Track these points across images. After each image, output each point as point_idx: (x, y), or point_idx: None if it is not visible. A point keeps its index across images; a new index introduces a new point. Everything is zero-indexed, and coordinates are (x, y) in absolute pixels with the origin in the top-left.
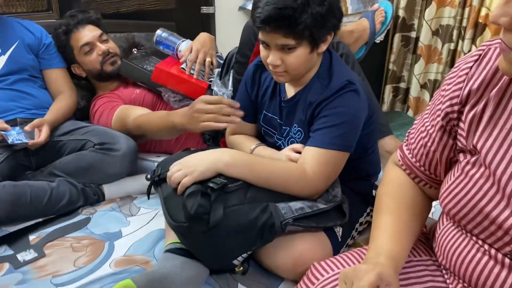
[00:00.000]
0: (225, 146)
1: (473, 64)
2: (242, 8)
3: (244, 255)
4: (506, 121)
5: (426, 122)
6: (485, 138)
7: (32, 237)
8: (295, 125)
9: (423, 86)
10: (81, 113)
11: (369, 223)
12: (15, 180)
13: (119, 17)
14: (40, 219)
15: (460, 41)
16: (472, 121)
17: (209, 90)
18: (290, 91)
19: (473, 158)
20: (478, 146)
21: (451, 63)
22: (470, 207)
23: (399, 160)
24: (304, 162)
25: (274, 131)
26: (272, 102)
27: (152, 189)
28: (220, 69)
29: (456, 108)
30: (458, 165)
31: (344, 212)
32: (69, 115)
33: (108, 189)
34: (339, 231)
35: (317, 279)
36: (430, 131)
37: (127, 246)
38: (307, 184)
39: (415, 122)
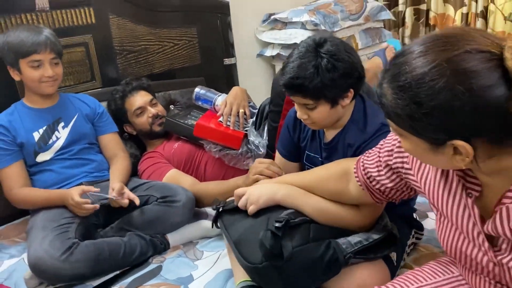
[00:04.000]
0: None
1: None
2: (259, 55)
3: None
4: (445, 181)
5: (381, 155)
6: (436, 198)
7: None
8: None
9: None
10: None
11: (414, 245)
12: (89, 239)
13: (153, 78)
14: (118, 272)
15: (473, 3)
16: (421, 179)
17: (245, 138)
18: (329, 134)
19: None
20: (435, 204)
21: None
22: (453, 249)
23: (355, 164)
24: None
25: None
26: (313, 143)
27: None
28: (254, 119)
29: (406, 166)
30: (436, 216)
31: (394, 239)
32: (129, 174)
33: (172, 238)
34: (393, 256)
35: None
36: (381, 164)
37: None
38: (358, 219)
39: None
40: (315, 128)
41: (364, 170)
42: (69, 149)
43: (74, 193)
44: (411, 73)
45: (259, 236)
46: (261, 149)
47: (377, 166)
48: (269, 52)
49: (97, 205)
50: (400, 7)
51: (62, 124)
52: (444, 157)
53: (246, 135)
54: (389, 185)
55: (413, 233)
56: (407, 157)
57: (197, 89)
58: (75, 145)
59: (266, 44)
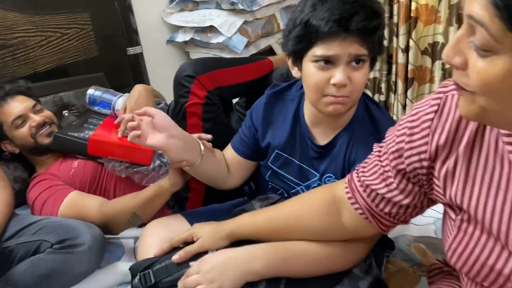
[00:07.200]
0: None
1: (434, 116)
2: (170, 41)
3: None
4: (483, 176)
5: (383, 163)
6: (468, 197)
7: None
8: (329, 174)
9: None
10: (17, 199)
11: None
12: None
13: (38, 78)
14: None
15: (394, 38)
16: (446, 177)
17: (156, 152)
18: (322, 135)
19: (465, 215)
20: (464, 206)
21: (388, 60)
22: (473, 261)
23: (346, 186)
24: None
25: (289, 176)
26: (291, 143)
27: None
28: None
29: (425, 164)
30: (450, 222)
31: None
32: (10, 213)
33: None
34: None
35: None
36: (390, 175)
37: None
38: (350, 259)
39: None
40: (344, 109)
41: (365, 190)
42: None
43: None
44: None
45: None
46: None
47: (384, 180)
48: (181, 37)
49: None
50: None
51: None
52: None
53: None
54: (405, 201)
55: (385, 255)
56: (424, 150)
57: (90, 91)
58: None
59: (177, 28)
